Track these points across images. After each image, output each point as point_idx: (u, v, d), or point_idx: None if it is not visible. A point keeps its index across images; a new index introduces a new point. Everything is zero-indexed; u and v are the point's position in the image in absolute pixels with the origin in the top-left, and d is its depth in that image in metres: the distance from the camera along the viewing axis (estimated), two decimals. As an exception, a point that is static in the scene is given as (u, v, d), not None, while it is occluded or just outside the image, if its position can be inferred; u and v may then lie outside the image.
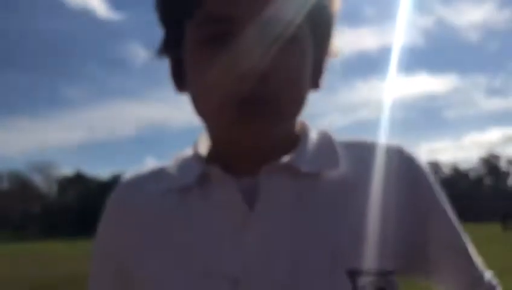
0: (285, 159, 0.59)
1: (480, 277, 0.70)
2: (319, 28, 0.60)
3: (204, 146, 0.67)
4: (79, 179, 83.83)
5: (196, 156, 0.64)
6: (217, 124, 0.59)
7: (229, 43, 0.54)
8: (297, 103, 0.59)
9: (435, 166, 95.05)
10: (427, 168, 0.66)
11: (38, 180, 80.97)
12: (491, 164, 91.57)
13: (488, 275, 0.71)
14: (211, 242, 0.58)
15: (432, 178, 0.66)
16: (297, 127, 0.65)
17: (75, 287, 9.26)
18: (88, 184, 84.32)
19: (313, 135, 0.65)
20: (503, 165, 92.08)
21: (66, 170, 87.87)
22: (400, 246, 0.60)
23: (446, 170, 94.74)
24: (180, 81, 0.63)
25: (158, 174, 0.67)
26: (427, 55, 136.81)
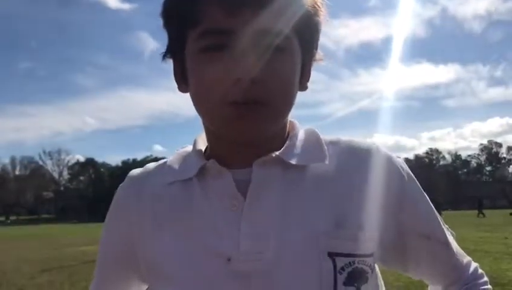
0: (275, 153, 0.66)
1: (461, 265, 0.76)
2: (306, 36, 0.66)
3: (202, 143, 0.75)
4: (90, 165, 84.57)
5: (196, 152, 0.72)
6: (214, 122, 0.66)
7: (226, 52, 0.61)
8: (286, 104, 0.65)
9: (436, 153, 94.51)
10: (401, 164, 0.73)
11: (50, 165, 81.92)
12: (493, 151, 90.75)
13: (472, 264, 0.78)
14: (208, 225, 0.66)
15: (407, 174, 0.72)
16: (287, 125, 0.72)
17: (84, 267, 9.46)
18: (99, 170, 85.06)
19: (301, 133, 0.73)
20: (504, 152, 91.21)
21: (78, 156, 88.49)
22: (377, 233, 0.67)
23: (448, 158, 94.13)
24: (183, 82, 0.69)
25: (162, 168, 0.75)
26: (430, 45, 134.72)
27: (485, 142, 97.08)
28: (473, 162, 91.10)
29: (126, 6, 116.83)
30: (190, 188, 0.69)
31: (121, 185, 0.78)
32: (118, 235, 0.76)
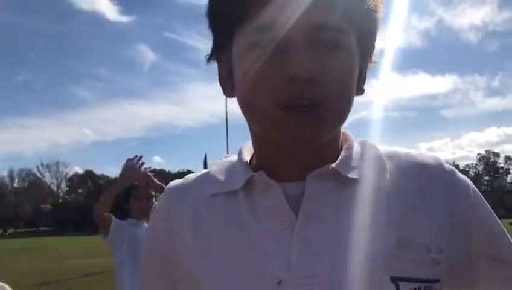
0: (331, 165, 0.61)
1: None
2: (364, 34, 0.61)
3: (248, 153, 0.69)
4: (89, 177, 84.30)
5: (241, 162, 0.67)
6: (265, 127, 0.60)
7: (278, 49, 0.56)
8: (344, 108, 0.60)
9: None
10: (467, 181, 0.66)
11: (48, 178, 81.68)
12: (490, 161, 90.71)
13: None
14: (256, 244, 0.60)
15: (473, 191, 0.66)
16: (341, 135, 0.67)
17: (83, 279, 9.45)
18: (98, 182, 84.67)
19: (356, 144, 0.67)
20: (501, 162, 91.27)
21: (76, 169, 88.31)
22: (444, 256, 0.60)
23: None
24: (229, 85, 0.65)
25: (204, 179, 0.70)
26: (427, 56, 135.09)
27: (482, 152, 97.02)
28: (471, 172, 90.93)
29: (125, 18, 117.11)
30: (235, 201, 0.64)
31: (160, 197, 0.74)
32: (159, 249, 0.70)
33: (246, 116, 0.63)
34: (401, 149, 0.68)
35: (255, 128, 0.64)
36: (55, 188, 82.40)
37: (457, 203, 0.63)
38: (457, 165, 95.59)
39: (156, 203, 2.92)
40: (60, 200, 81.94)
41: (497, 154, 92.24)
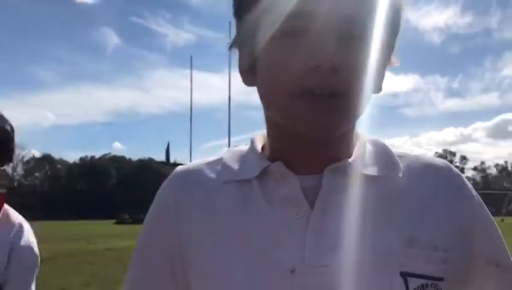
0: (348, 161, 0.62)
1: None
2: (390, 33, 0.62)
3: (260, 143, 0.69)
4: (47, 161, 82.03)
5: (255, 152, 0.66)
6: (285, 115, 0.60)
7: (304, 37, 0.56)
8: (363, 100, 0.59)
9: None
10: (471, 187, 0.68)
11: (3, 160, 78.82)
12: (445, 160, 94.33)
13: None
14: (269, 233, 0.60)
15: (476, 196, 0.67)
16: (354, 134, 0.67)
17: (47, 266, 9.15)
18: (56, 166, 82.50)
19: (369, 143, 0.68)
20: (457, 162, 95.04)
21: (34, 152, 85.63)
22: (447, 254, 0.62)
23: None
24: (250, 73, 0.64)
25: (215, 165, 0.68)
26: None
27: (440, 150, 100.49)
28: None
29: (90, 0, 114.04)
30: (249, 190, 0.63)
31: (165, 181, 0.70)
32: (164, 237, 0.66)
33: (265, 104, 0.63)
34: (409, 152, 0.69)
35: (274, 116, 0.63)
36: (10, 171, 79.75)
37: (464, 206, 0.65)
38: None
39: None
40: (16, 184, 79.38)
41: (453, 154, 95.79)
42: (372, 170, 0.63)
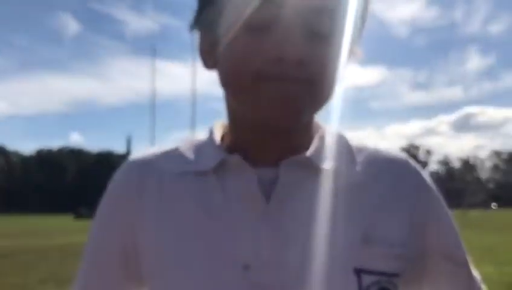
0: (305, 154, 0.60)
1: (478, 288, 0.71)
2: (357, 24, 0.60)
3: (218, 133, 0.67)
4: (0, 153, 79.00)
5: (213, 142, 0.64)
6: (247, 102, 0.58)
7: (271, 28, 0.54)
8: (328, 92, 0.58)
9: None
10: (430, 181, 0.68)
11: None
12: (410, 153, 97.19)
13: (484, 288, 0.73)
14: (224, 227, 0.59)
15: (434, 190, 0.67)
16: (314, 125, 0.66)
17: (1, 263, 8.84)
18: (10, 159, 79.67)
19: (329, 135, 0.66)
20: (421, 155, 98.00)
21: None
22: (403, 251, 0.61)
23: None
24: (211, 58, 0.62)
25: (171, 155, 0.66)
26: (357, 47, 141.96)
27: (404, 143, 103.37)
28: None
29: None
30: (205, 182, 0.61)
31: (118, 171, 0.67)
32: (117, 229, 0.64)
33: (226, 90, 0.61)
34: (370, 143, 0.68)
35: (234, 102, 0.62)
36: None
37: (421, 202, 0.65)
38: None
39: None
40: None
41: (417, 148, 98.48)
42: (329, 164, 0.62)
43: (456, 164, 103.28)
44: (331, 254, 0.57)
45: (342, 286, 0.57)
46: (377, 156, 0.66)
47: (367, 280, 0.58)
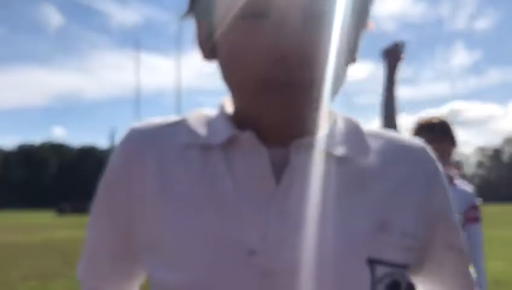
0: (317, 138, 0.58)
1: (473, 284, 0.71)
2: (361, 5, 0.58)
3: (229, 108, 0.63)
4: (-19, 148, 77.66)
5: (224, 116, 0.61)
6: (246, 102, 0.57)
7: (268, 20, 0.51)
8: (337, 85, 0.57)
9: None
10: (443, 171, 0.66)
11: None
12: None
13: (475, 285, 0.73)
14: (230, 208, 0.56)
15: (446, 181, 0.66)
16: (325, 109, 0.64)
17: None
18: (-9, 154, 78.42)
19: (340, 120, 0.64)
20: None
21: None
22: (414, 241, 0.60)
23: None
24: (208, 47, 0.59)
25: (177, 126, 0.63)
26: None
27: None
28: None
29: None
30: (212, 157, 0.58)
31: (120, 141, 0.63)
32: (116, 204, 0.62)
33: (225, 83, 0.58)
34: (383, 130, 0.66)
35: (236, 98, 0.60)
36: None
37: (435, 193, 0.63)
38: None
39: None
40: None
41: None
42: (340, 150, 0.59)
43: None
44: (342, 241, 0.54)
45: (354, 276, 0.54)
46: (392, 143, 0.63)
47: (380, 271, 0.55)
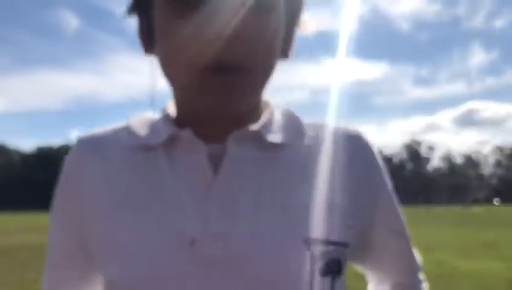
0: (253, 128, 0.60)
1: (417, 268, 0.76)
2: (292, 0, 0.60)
3: (172, 110, 0.66)
4: (0, 150, 78.99)
5: (166, 118, 0.64)
6: (184, 91, 0.59)
7: (198, 7, 0.53)
8: (268, 72, 0.58)
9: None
10: (379, 156, 0.69)
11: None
12: (413, 149, 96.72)
13: (420, 269, 0.77)
14: (172, 202, 0.58)
15: (383, 167, 0.68)
16: (262, 102, 0.66)
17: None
18: (10, 156, 79.71)
19: (277, 111, 0.67)
20: (424, 151, 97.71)
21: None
22: (353, 221, 0.62)
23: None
24: (149, 42, 0.62)
25: (121, 132, 0.66)
26: (360, 42, 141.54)
27: (407, 139, 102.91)
28: (395, 159, 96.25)
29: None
30: (154, 156, 0.61)
31: (70, 151, 0.66)
32: (70, 213, 0.64)
33: (164, 76, 0.60)
34: (318, 119, 0.69)
35: (175, 90, 0.63)
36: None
37: (373, 175, 0.66)
38: (382, 152, 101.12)
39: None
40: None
41: (419, 143, 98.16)
42: (277, 138, 0.62)
43: (459, 160, 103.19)
44: (280, 225, 0.57)
45: (294, 257, 0.56)
46: (329, 130, 0.66)
47: (319, 249, 0.57)
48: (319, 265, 0.57)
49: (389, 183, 0.69)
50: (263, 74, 0.58)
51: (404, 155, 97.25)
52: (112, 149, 0.64)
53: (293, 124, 0.65)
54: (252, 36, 0.54)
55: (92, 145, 0.65)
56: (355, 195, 0.63)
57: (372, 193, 0.65)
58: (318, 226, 0.58)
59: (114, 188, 0.61)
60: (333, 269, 0.59)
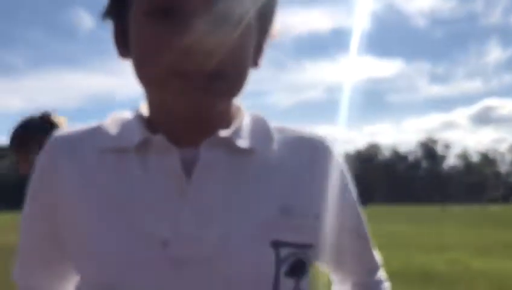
0: (224, 134, 0.62)
1: (376, 267, 0.80)
2: (264, 10, 0.62)
3: (145, 111, 0.67)
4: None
5: (138, 119, 0.65)
6: (159, 95, 0.60)
7: (176, 16, 0.55)
8: (242, 79, 0.60)
9: (376, 148, 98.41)
10: (343, 161, 0.73)
11: (-28, 148, 76.76)
12: (429, 147, 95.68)
13: (381, 268, 0.81)
14: (145, 205, 0.59)
15: (346, 169, 0.72)
16: (233, 108, 0.68)
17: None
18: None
19: (247, 116, 0.69)
20: (439, 149, 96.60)
21: (3, 138, 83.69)
22: (319, 225, 0.65)
23: (386, 152, 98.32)
24: (124, 46, 0.63)
25: (94, 132, 0.66)
26: (375, 39, 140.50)
27: (423, 137, 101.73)
28: (411, 158, 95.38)
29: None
30: (126, 161, 0.62)
31: (44, 148, 0.67)
32: (42, 205, 0.66)
33: (139, 80, 0.61)
34: (289, 125, 0.71)
35: (148, 93, 0.64)
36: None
37: (335, 178, 0.68)
38: (398, 150, 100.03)
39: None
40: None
41: (435, 141, 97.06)
42: (246, 143, 0.64)
43: (475, 158, 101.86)
44: (249, 228, 0.59)
45: (260, 259, 0.58)
46: (294, 135, 0.69)
47: (284, 252, 0.60)
48: (285, 267, 0.59)
49: (352, 186, 0.73)
50: (237, 81, 0.59)
51: (420, 153, 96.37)
52: (85, 149, 0.64)
53: (261, 129, 0.67)
54: (226, 48, 0.55)
55: (66, 144, 0.65)
56: (318, 198, 0.65)
57: (336, 195, 0.68)
58: (285, 228, 0.61)
59: (86, 188, 0.62)
60: (299, 270, 0.61)
